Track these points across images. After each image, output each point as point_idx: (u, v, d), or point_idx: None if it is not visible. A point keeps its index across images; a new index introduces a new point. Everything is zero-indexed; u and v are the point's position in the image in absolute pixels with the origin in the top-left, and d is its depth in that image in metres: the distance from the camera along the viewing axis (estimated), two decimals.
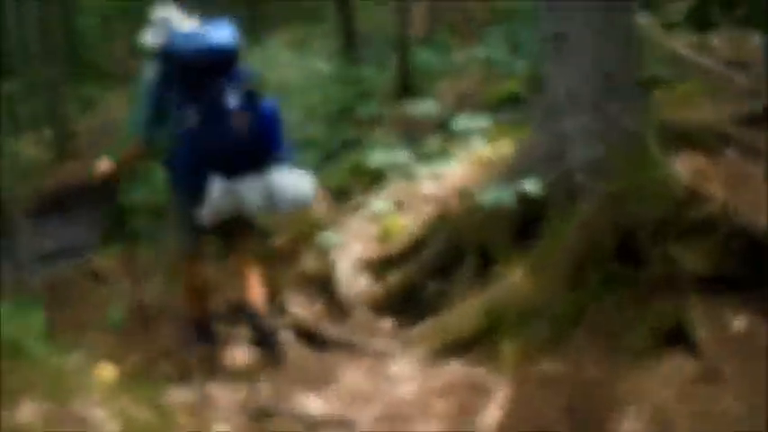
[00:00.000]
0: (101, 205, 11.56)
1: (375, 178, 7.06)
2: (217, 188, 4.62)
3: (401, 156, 6.74)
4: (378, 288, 5.22)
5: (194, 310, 5.26)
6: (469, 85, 11.25)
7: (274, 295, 5.74)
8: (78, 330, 6.33)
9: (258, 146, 4.76)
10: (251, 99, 4.74)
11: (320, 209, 6.92)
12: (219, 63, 4.64)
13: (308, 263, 5.85)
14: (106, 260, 8.74)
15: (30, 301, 5.85)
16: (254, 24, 19.02)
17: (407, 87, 10.76)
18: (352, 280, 5.40)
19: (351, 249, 5.66)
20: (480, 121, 7.37)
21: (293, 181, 4.81)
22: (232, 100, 4.65)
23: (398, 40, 11.08)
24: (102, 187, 5.29)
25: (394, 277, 5.19)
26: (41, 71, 13.69)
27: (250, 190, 4.70)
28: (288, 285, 5.77)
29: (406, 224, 5.65)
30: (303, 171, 4.92)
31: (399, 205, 6.18)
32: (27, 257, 5.38)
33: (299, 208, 5.13)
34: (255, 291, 4.98)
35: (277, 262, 6.50)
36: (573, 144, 4.45)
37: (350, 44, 11.77)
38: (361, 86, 11.01)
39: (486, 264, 4.66)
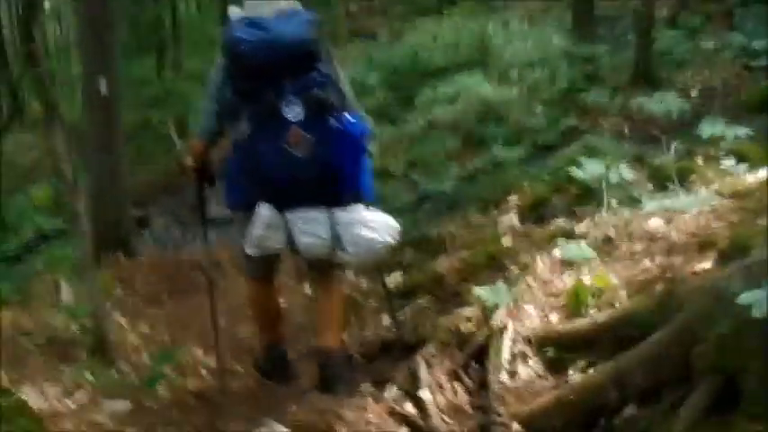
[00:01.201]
0: None
1: (584, 195, 5.00)
2: (261, 219, 3.47)
3: (623, 172, 4.65)
4: (551, 386, 3.21)
5: (262, 336, 4.10)
6: (721, 80, 8.80)
7: (411, 346, 3.94)
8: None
9: (324, 176, 3.47)
10: (321, 115, 3.43)
11: (506, 233, 4.97)
12: (282, 62, 3.37)
13: (464, 317, 3.92)
14: None
15: None
16: None
17: (645, 75, 8.46)
18: (517, 362, 3.42)
19: (526, 312, 3.67)
20: (735, 131, 5.16)
21: (367, 224, 3.50)
22: (292, 112, 3.38)
23: (639, 19, 8.78)
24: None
25: (577, 377, 3.15)
26: None
27: (306, 227, 3.48)
28: (432, 340, 3.90)
29: (612, 285, 3.59)
30: (382, 213, 3.60)
31: (608, 245, 4.12)
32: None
33: (371, 257, 3.66)
34: (328, 334, 3.81)
35: (438, 295, 4.66)
36: None
37: (586, 19, 9.62)
38: (592, 67, 8.88)
39: (727, 400, 2.57)
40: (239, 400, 3.84)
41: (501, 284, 3.68)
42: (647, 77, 8.49)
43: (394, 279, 5.23)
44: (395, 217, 6.05)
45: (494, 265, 4.51)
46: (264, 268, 3.83)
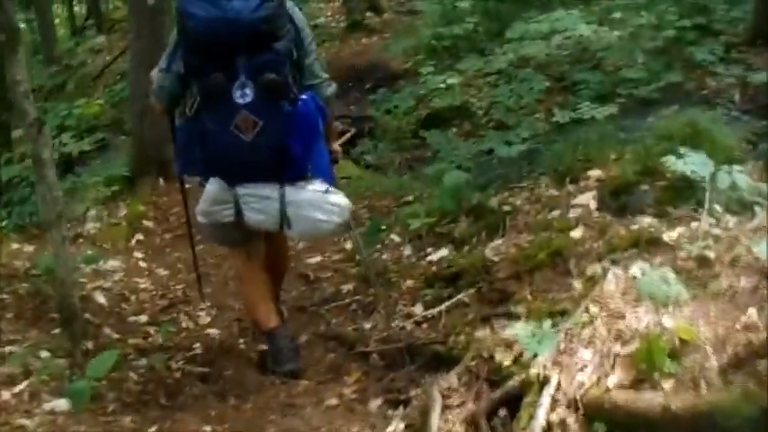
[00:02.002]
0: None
1: (681, 189, 3.87)
2: (208, 194, 3.31)
3: (736, 176, 3.51)
4: None
5: (255, 319, 3.65)
6: None
7: (440, 357, 3.10)
8: None
9: (274, 157, 3.21)
10: (273, 98, 3.13)
11: (578, 221, 3.91)
12: (234, 42, 3.06)
13: (504, 341, 2.94)
14: None
15: None
16: None
17: (765, 32, 7.08)
18: None
19: (578, 357, 2.68)
20: None
21: (316, 204, 3.26)
22: (242, 94, 3.09)
23: None
24: None
25: None
26: None
27: (255, 204, 3.28)
28: (460, 364, 2.96)
29: (699, 341, 2.56)
30: (335, 190, 3.33)
31: (704, 270, 3.04)
32: None
33: (316, 236, 3.81)
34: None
35: (484, 292, 3.69)
36: None
37: None
38: (705, 18, 7.52)
39: None
40: (214, 403, 3.04)
41: (547, 325, 2.64)
42: (766, 35, 7.12)
43: (439, 256, 4.29)
44: (455, 173, 5.06)
45: (555, 266, 3.50)
46: (226, 235, 3.49)
